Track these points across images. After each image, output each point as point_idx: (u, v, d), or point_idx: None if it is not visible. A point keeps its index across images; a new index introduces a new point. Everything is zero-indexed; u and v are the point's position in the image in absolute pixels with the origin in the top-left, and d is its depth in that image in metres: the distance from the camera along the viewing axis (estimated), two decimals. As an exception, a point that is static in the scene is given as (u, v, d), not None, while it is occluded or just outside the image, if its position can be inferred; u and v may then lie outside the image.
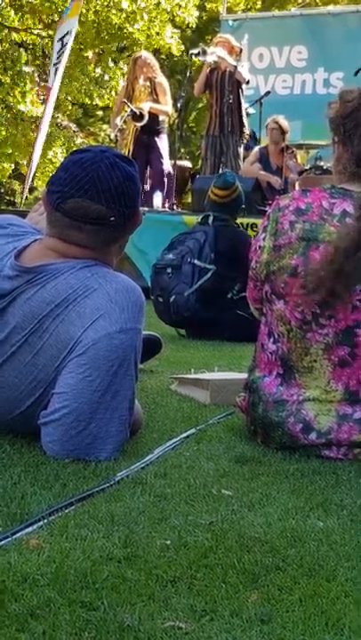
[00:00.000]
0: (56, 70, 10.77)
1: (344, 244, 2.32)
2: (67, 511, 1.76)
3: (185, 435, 2.51)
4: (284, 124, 8.83)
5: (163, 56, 15.61)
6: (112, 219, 2.25)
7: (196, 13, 15.90)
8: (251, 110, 9.54)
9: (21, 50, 15.91)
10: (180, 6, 15.14)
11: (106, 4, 14.83)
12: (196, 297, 5.20)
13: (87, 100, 16.50)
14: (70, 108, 17.20)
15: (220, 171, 8.58)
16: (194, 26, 15.96)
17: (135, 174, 2.32)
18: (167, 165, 9.18)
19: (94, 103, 16.82)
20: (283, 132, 8.81)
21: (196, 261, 5.24)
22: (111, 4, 14.76)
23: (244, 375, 2.68)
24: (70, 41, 10.71)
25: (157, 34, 15.02)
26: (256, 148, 9.21)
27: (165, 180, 9.15)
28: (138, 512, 1.78)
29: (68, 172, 2.26)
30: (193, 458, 2.27)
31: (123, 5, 14.63)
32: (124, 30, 15.18)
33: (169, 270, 5.33)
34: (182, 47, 15.51)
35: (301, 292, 2.35)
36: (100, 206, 2.23)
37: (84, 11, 14.62)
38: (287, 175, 8.71)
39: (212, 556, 1.56)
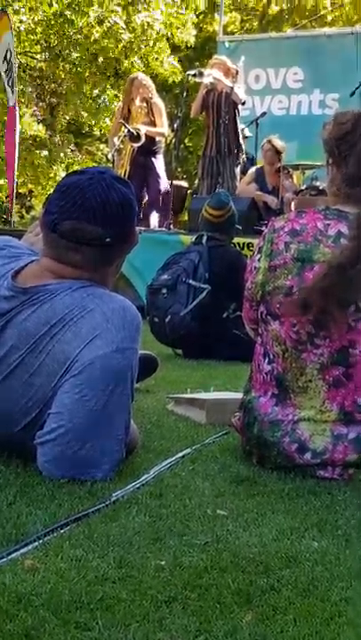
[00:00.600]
0: (13, 89, 10.77)
1: (337, 261, 2.33)
2: (62, 531, 1.76)
3: (181, 454, 2.51)
4: (278, 145, 8.87)
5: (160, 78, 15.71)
6: (108, 240, 2.27)
7: (194, 32, 15.99)
8: (248, 133, 9.59)
9: (19, 70, 16.00)
10: (178, 27, 15.24)
11: (104, 32, 14.94)
12: (191, 316, 5.21)
13: (82, 126, 16.63)
14: (65, 127, 17.30)
15: (217, 191, 8.62)
16: (192, 45, 16.05)
17: (132, 196, 2.33)
18: (164, 185, 9.21)
19: (86, 131, 16.95)
20: (277, 152, 8.85)
21: (190, 281, 5.26)
22: (110, 32, 14.86)
23: (240, 395, 2.69)
24: (13, 56, 10.70)
25: (156, 59, 15.11)
26: (253, 169, 9.25)
27: (162, 199, 9.18)
28: (133, 532, 1.78)
29: (64, 194, 2.28)
30: (188, 478, 2.28)
31: (123, 37, 14.70)
32: (120, 61, 15.28)
33: (164, 291, 5.34)
34: (180, 77, 15.58)
35: (294, 310, 2.36)
36: (96, 228, 2.25)
37: (82, 39, 14.78)
38: (283, 194, 8.75)
39: (206, 577, 1.56)
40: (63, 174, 16.37)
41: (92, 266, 2.30)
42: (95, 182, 2.27)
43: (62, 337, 2.21)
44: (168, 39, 15.54)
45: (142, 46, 14.97)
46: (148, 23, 14.85)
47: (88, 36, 15.05)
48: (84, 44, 15.16)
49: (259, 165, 9.31)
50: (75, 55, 15.45)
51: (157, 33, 14.96)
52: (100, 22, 14.80)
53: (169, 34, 15.22)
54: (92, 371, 2.17)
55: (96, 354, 2.18)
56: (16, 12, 14.25)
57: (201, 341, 5.19)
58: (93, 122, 16.80)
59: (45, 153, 16.67)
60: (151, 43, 15.04)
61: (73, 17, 14.70)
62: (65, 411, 2.17)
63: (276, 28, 18.56)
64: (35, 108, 16.37)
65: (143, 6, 14.92)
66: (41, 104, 17.04)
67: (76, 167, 15.75)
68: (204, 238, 5.46)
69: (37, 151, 16.59)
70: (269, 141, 8.91)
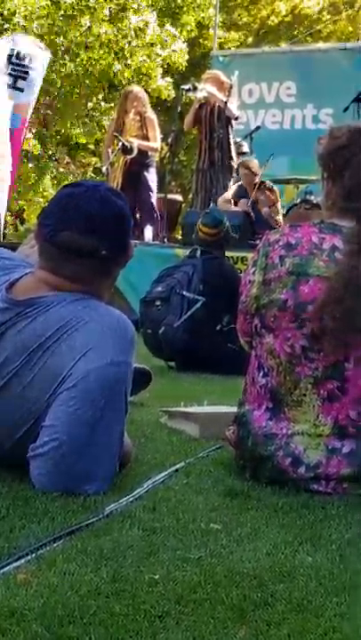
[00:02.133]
0: (17, 88, 10.46)
1: (339, 282, 2.34)
2: (55, 545, 1.75)
3: (174, 468, 2.50)
4: (253, 167, 8.95)
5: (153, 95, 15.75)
6: (104, 252, 2.27)
7: (187, 57, 16.03)
8: (245, 149, 9.63)
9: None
10: (174, 51, 15.28)
11: (95, 39, 14.96)
12: (184, 328, 5.20)
13: (78, 139, 16.67)
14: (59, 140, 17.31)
15: (210, 205, 8.65)
16: (184, 68, 16.09)
17: (126, 209, 2.34)
18: (155, 199, 9.22)
19: (77, 141, 16.97)
20: (253, 173, 8.92)
21: (184, 292, 5.26)
22: (103, 39, 14.89)
23: (234, 409, 2.68)
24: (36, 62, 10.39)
25: (146, 74, 15.12)
26: (235, 186, 9.24)
27: (154, 213, 9.20)
28: (126, 546, 1.77)
29: (60, 206, 2.28)
30: (182, 492, 2.27)
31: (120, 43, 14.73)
32: (112, 68, 15.28)
33: (158, 303, 5.34)
34: (173, 93, 15.65)
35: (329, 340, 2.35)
36: (91, 240, 2.25)
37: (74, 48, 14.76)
38: (261, 209, 8.80)
39: (200, 591, 1.55)
40: (50, 187, 16.40)
41: (88, 278, 2.30)
42: (91, 194, 2.27)
43: (56, 349, 2.20)
44: (162, 66, 15.59)
45: (135, 47, 14.95)
46: (139, 28, 14.87)
47: (80, 44, 15.06)
48: (76, 53, 15.17)
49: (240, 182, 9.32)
50: (68, 65, 15.45)
51: (150, 38, 14.96)
52: (89, 29, 14.82)
53: (163, 53, 15.26)
54: (86, 384, 2.17)
55: (90, 367, 2.17)
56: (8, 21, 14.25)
57: (195, 354, 5.18)
58: (85, 140, 16.86)
59: (35, 166, 16.65)
60: (143, 55, 15.05)
61: (65, 27, 14.72)
62: (59, 424, 2.16)
63: (271, 42, 18.68)
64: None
65: (133, 9, 14.91)
66: (35, 118, 17.04)
67: (67, 181, 15.70)
68: (198, 252, 5.47)
69: (29, 165, 16.59)
70: (245, 166, 8.98)
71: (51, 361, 2.19)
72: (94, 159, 18.96)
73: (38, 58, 10.57)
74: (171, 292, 5.33)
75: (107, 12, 14.76)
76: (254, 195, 8.82)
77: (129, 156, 8.88)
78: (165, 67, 15.72)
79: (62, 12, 14.55)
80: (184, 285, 5.30)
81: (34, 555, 1.68)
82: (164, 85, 15.41)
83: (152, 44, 15.02)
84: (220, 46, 14.76)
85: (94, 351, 2.19)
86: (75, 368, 2.17)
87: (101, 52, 15.00)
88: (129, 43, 14.89)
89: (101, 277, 2.34)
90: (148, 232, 8.90)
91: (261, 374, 2.47)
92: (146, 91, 12.88)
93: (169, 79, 15.83)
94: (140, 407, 3.64)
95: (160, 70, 15.59)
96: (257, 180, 8.88)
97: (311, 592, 1.59)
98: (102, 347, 2.19)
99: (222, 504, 2.18)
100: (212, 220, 5.52)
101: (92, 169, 19.03)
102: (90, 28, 14.69)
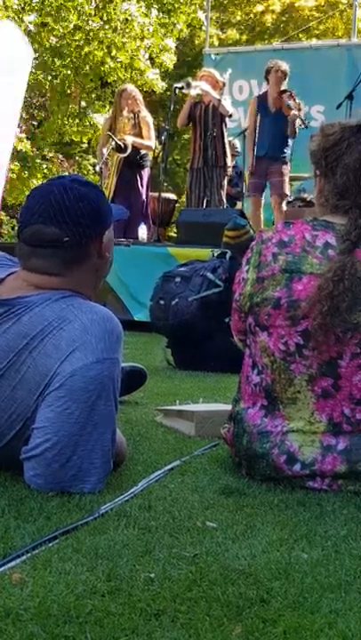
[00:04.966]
0: None
1: (331, 279, 2.34)
2: (50, 545, 1.75)
3: (169, 467, 2.50)
4: (286, 69, 8.94)
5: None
6: (66, 239, 2.27)
7: (174, 58, 16.00)
8: (239, 149, 9.64)
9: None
10: (160, 49, 15.28)
11: (85, 36, 14.92)
12: (198, 305, 5.23)
13: (66, 138, 16.66)
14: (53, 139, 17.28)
15: (205, 203, 8.69)
16: (171, 68, 16.08)
17: (90, 194, 2.32)
18: (147, 198, 9.22)
19: (69, 139, 16.96)
20: (285, 76, 8.93)
21: (208, 274, 5.32)
22: (91, 35, 14.86)
23: (229, 406, 2.69)
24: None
25: (137, 70, 15.11)
26: (254, 97, 9.20)
27: (148, 212, 9.20)
28: (122, 545, 1.77)
29: (26, 203, 2.32)
30: (177, 490, 2.27)
31: (107, 36, 14.70)
32: (106, 65, 15.25)
33: (178, 279, 5.41)
34: (164, 85, 15.65)
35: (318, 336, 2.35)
36: (52, 228, 2.26)
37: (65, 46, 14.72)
38: (288, 114, 8.79)
39: (196, 589, 1.55)
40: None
41: (55, 269, 2.29)
42: (52, 186, 2.30)
43: (42, 350, 2.19)
44: (151, 58, 15.56)
45: (124, 40, 14.90)
46: (126, 19, 14.85)
47: (70, 43, 15.04)
48: (66, 50, 15.14)
49: (259, 92, 9.25)
50: (57, 63, 15.43)
51: (140, 31, 14.93)
52: (79, 28, 14.79)
53: (148, 43, 15.22)
54: (73, 383, 2.16)
55: (76, 366, 2.17)
56: None
57: (195, 332, 5.20)
58: (79, 137, 16.85)
59: (25, 165, 16.62)
60: (131, 48, 15.01)
61: (53, 24, 14.70)
62: (49, 425, 2.16)
63: (264, 40, 18.66)
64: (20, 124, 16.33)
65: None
66: (27, 119, 17.02)
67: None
68: (228, 254, 5.55)
69: (18, 164, 16.59)
70: (278, 64, 8.92)
71: (37, 361, 2.19)
72: (90, 157, 18.95)
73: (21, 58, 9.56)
74: (193, 273, 5.40)
75: (92, 4, 14.75)
76: (280, 101, 8.80)
77: (122, 155, 8.88)
78: (153, 57, 15.71)
79: (50, 9, 14.55)
80: (209, 270, 5.37)
81: (29, 554, 1.68)
82: (153, 79, 15.40)
83: (142, 38, 15.00)
84: (212, 43, 14.74)
85: (80, 350, 2.18)
86: (61, 368, 2.17)
87: (94, 44, 14.95)
88: (118, 35, 14.85)
89: (71, 267, 2.31)
90: (142, 231, 8.90)
91: (256, 372, 2.48)
92: (138, 86, 12.92)
93: (156, 71, 15.81)
94: (134, 406, 3.64)
95: (148, 64, 15.58)
96: (284, 84, 8.88)
97: (307, 589, 1.59)
98: (88, 345, 2.19)
99: (218, 502, 2.18)
100: (233, 224, 5.74)
101: (86, 168, 19.02)
102: (78, 26, 14.68)
